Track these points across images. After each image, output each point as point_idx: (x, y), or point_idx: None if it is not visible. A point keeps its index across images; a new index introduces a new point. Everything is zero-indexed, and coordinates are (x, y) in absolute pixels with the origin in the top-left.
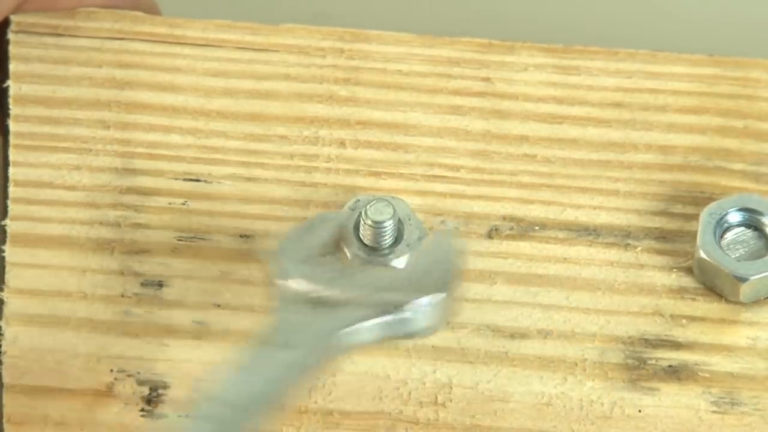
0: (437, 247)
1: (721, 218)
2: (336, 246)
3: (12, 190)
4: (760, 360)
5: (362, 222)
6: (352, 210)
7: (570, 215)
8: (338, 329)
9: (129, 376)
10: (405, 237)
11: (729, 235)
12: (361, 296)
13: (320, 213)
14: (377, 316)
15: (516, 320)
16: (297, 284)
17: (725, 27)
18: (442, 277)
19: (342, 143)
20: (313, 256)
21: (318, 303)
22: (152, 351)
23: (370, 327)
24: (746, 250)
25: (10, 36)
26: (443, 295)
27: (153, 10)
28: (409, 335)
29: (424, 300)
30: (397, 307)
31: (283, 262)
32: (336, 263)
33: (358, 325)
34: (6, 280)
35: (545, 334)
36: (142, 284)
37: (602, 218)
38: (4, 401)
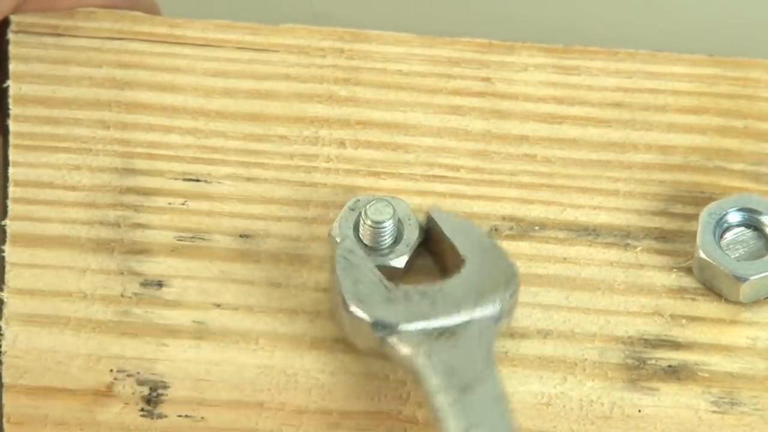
0: (461, 230)
1: (721, 218)
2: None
3: (12, 190)
4: (760, 360)
5: (362, 222)
6: (352, 210)
7: (570, 215)
8: (490, 342)
9: (129, 376)
10: (405, 237)
11: (729, 235)
12: (474, 307)
13: (339, 249)
14: (497, 316)
15: (516, 320)
16: (416, 329)
17: (725, 27)
18: (499, 254)
19: (342, 143)
20: (387, 293)
21: (451, 332)
22: (152, 351)
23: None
24: (746, 250)
25: (10, 36)
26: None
27: (153, 10)
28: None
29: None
30: (506, 300)
31: (380, 315)
32: (409, 289)
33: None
34: (6, 280)
35: (545, 334)
36: (142, 284)
37: (602, 218)
38: (4, 401)
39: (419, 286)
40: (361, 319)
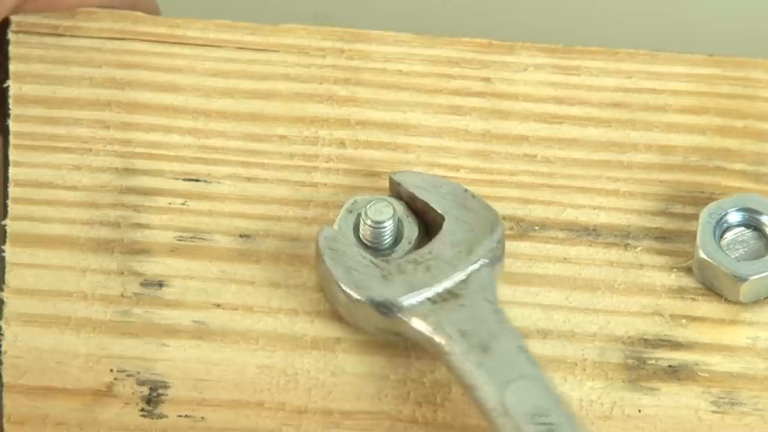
0: (433, 187)
1: (721, 218)
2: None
3: (12, 190)
4: (760, 360)
5: (362, 222)
6: (350, 212)
7: (570, 215)
8: (492, 296)
9: (129, 376)
10: (406, 235)
11: (729, 235)
12: (471, 261)
13: (320, 242)
14: (492, 266)
15: (516, 320)
16: (419, 299)
17: (725, 27)
18: (478, 203)
19: (342, 143)
20: (380, 271)
21: (453, 294)
22: (152, 351)
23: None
24: (746, 250)
25: (10, 36)
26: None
27: (153, 10)
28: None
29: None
30: (497, 246)
31: (380, 294)
32: (401, 261)
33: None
34: (6, 280)
35: (545, 334)
36: (142, 284)
37: (602, 218)
38: (4, 401)
39: (410, 255)
40: (363, 304)
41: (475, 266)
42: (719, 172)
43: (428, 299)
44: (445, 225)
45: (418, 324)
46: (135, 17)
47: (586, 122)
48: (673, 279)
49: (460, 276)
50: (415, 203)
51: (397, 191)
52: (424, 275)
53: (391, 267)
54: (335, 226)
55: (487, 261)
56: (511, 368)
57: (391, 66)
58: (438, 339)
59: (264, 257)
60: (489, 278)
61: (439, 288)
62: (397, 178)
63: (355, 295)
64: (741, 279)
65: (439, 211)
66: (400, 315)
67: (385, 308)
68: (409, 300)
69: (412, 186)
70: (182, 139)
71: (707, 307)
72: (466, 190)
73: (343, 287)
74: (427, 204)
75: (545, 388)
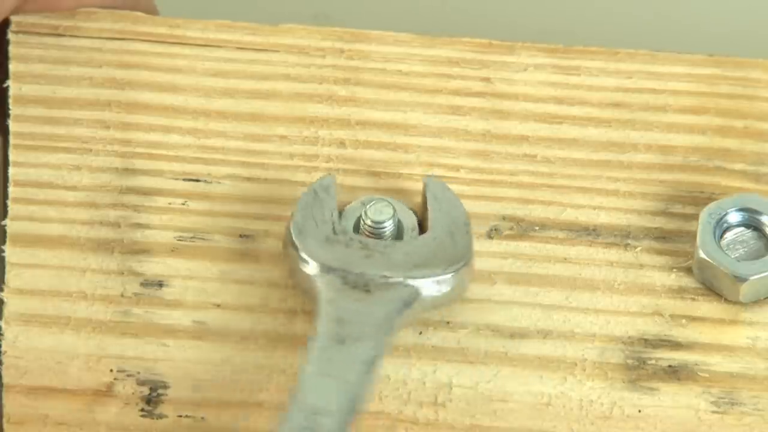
0: (444, 204)
1: (721, 218)
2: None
3: (12, 190)
4: (760, 360)
5: (362, 222)
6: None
7: (570, 215)
8: (396, 313)
9: (129, 376)
10: (405, 236)
11: (729, 235)
12: (405, 274)
13: (315, 183)
14: (421, 294)
15: (516, 320)
16: (334, 270)
17: (725, 27)
18: (467, 241)
19: (342, 143)
20: (331, 234)
21: (365, 287)
22: (152, 351)
23: (416, 308)
24: (746, 250)
25: (10, 36)
26: (472, 259)
27: (151, 11)
28: (438, 307)
29: (460, 268)
30: (440, 282)
31: (309, 249)
32: (356, 241)
33: (411, 307)
34: (6, 280)
35: (545, 334)
36: (142, 284)
37: (602, 218)
38: (4, 401)
39: (373, 240)
40: (293, 248)
41: (400, 281)
42: (719, 172)
43: (342, 276)
44: (420, 239)
45: (319, 285)
46: (135, 17)
47: (586, 122)
48: (673, 279)
49: (387, 279)
50: (425, 208)
51: (423, 192)
52: (360, 259)
53: (343, 237)
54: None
55: (415, 287)
56: (338, 369)
57: (391, 66)
58: (320, 309)
59: (264, 257)
60: (405, 304)
61: (359, 272)
62: (427, 181)
63: (294, 239)
64: (741, 279)
65: (429, 225)
66: (313, 271)
67: (305, 261)
68: (328, 265)
69: (429, 193)
70: (182, 139)
71: (707, 307)
72: (467, 224)
73: (291, 228)
74: (427, 212)
75: (348, 395)
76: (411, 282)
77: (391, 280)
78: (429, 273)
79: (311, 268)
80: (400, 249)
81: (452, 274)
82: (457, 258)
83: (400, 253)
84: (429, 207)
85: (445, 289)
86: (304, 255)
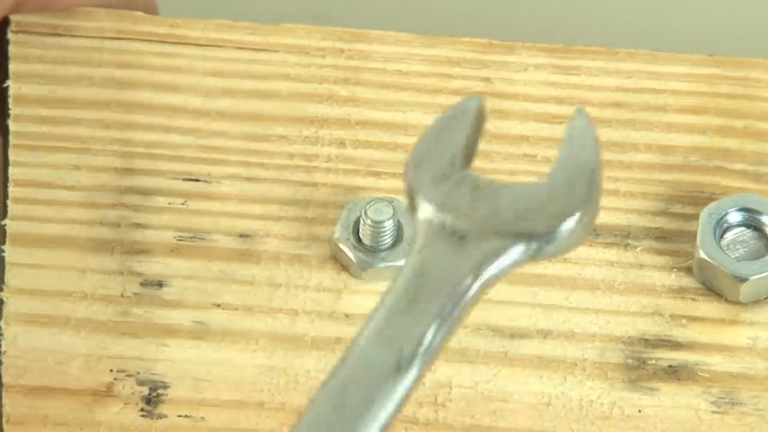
0: (578, 150)
1: (721, 218)
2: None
3: (12, 190)
4: (760, 360)
5: (362, 222)
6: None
7: None
8: (485, 266)
9: (129, 376)
10: (405, 237)
11: (729, 235)
12: (506, 225)
13: (451, 108)
14: (522, 247)
15: (516, 320)
16: (436, 212)
17: (725, 27)
18: (586, 190)
19: (342, 143)
20: (448, 172)
21: (461, 235)
22: (152, 351)
23: (510, 260)
24: (746, 250)
25: (10, 36)
26: (590, 212)
27: (151, 10)
28: (543, 258)
29: (570, 224)
30: (543, 236)
31: (419, 185)
32: (469, 180)
33: (500, 260)
34: (6, 280)
35: (545, 334)
36: (142, 284)
37: (602, 218)
38: (4, 401)
39: (492, 183)
40: (408, 174)
41: (503, 245)
42: (719, 172)
43: (441, 224)
44: (538, 187)
45: (419, 218)
46: (135, 17)
47: None
48: (673, 279)
49: (489, 242)
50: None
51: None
52: (465, 205)
53: (457, 176)
54: (336, 229)
55: (519, 253)
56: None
57: (391, 66)
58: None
59: (264, 257)
60: (501, 258)
61: (455, 226)
62: (577, 113)
63: (409, 167)
64: (741, 279)
65: (554, 166)
66: (416, 209)
67: (412, 197)
68: (426, 209)
69: (569, 127)
70: (182, 139)
71: (707, 307)
72: (595, 171)
73: (412, 154)
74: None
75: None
76: (508, 243)
77: (496, 245)
78: (526, 228)
79: (416, 207)
80: (510, 197)
81: (553, 232)
82: (565, 211)
83: (507, 199)
84: (561, 146)
85: (544, 245)
86: (413, 185)
